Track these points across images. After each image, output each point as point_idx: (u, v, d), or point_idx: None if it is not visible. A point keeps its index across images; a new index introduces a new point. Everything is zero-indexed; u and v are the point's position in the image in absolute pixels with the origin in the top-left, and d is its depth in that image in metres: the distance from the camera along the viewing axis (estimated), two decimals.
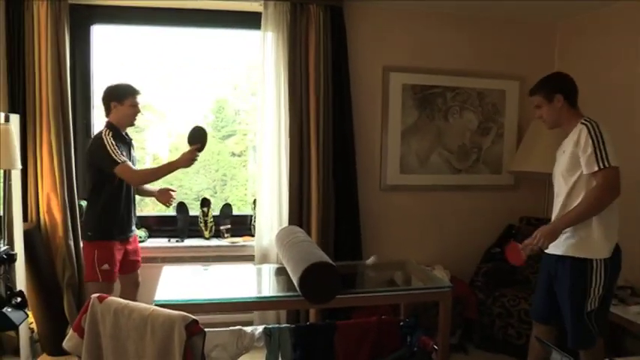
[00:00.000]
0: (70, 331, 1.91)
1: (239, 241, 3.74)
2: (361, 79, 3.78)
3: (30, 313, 3.09)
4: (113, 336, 1.82)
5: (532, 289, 3.20)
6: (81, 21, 3.50)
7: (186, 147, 2.95)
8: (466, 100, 4.03)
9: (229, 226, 3.80)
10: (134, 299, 2.85)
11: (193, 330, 1.73)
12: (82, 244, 3.21)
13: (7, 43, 3.23)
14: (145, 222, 3.78)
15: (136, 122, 3.02)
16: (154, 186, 3.20)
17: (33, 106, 3.27)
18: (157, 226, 3.82)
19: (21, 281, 2.95)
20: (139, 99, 2.97)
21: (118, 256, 2.94)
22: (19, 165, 2.91)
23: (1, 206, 2.95)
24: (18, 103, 3.25)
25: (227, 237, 3.76)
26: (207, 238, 3.74)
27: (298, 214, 3.57)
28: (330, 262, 2.31)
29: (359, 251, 3.70)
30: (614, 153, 2.32)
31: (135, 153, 3.13)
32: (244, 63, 4.29)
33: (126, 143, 3.01)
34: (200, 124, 3.00)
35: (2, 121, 2.85)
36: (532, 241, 2.49)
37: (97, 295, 1.88)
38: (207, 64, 4.26)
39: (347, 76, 3.66)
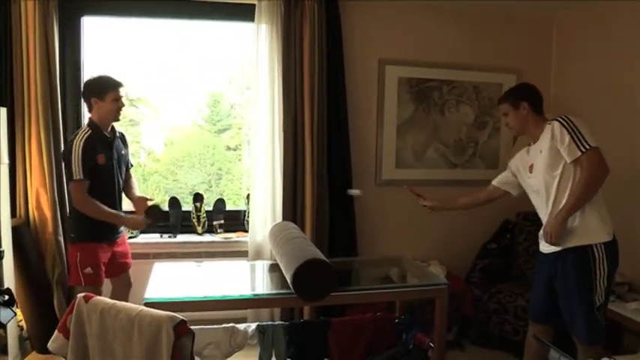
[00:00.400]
0: (55, 332, 1.85)
1: (232, 236, 3.69)
2: (356, 73, 3.73)
3: (19, 311, 3.03)
4: (100, 337, 1.77)
5: (529, 285, 3.17)
6: (71, 12, 3.42)
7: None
8: (462, 93, 3.98)
9: (222, 221, 3.75)
10: (126, 300, 2.80)
11: (182, 331, 1.69)
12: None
13: None
14: None
15: (120, 117, 2.89)
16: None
17: (21, 99, 3.20)
18: None
19: (9, 278, 2.89)
20: (122, 92, 2.82)
21: (104, 258, 2.85)
22: (5, 159, 2.86)
23: None
24: (6, 95, 3.18)
25: (220, 232, 3.71)
26: (200, 234, 3.69)
27: (292, 209, 3.52)
28: (324, 258, 2.27)
29: (354, 247, 3.66)
30: (590, 135, 2.39)
31: (126, 150, 3.05)
32: (239, 56, 4.24)
33: (107, 143, 2.85)
34: (160, 206, 3.05)
35: None
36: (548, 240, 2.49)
37: (83, 294, 1.83)
38: (202, 58, 4.21)
39: (342, 70, 3.60)
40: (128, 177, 3.12)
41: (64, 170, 3.16)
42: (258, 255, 3.52)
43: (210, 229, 3.74)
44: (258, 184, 3.53)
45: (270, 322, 2.80)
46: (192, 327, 1.78)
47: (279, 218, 3.50)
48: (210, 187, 4.53)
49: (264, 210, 3.54)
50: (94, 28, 3.64)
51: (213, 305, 2.43)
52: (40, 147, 3.19)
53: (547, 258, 2.58)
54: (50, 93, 3.22)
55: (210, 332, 2.61)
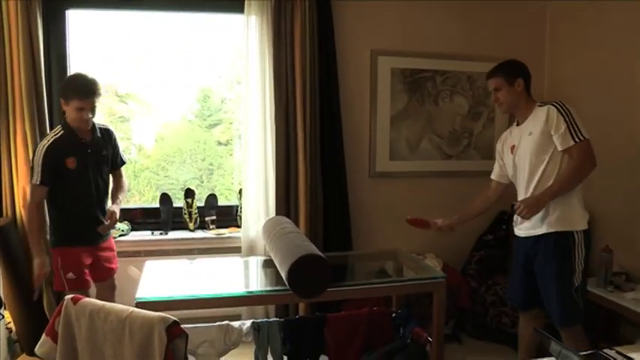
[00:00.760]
0: (43, 336, 1.79)
1: (225, 232, 3.63)
2: (349, 64, 3.66)
3: (7, 313, 2.96)
4: (89, 339, 1.71)
5: None
6: (55, 5, 3.33)
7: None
8: (456, 84, 3.93)
9: (214, 217, 3.68)
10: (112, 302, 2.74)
11: (174, 332, 1.63)
12: None
13: None
14: (128, 214, 3.64)
15: (87, 127, 2.70)
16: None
17: (5, 94, 3.11)
18: (139, 219, 3.69)
19: None
20: (87, 103, 2.62)
21: (87, 262, 2.76)
22: None
23: None
24: None
25: (212, 228, 3.65)
26: (192, 230, 3.63)
27: (285, 203, 3.47)
28: (320, 254, 2.23)
29: (349, 241, 3.61)
30: (584, 126, 2.41)
31: (110, 149, 2.89)
32: (229, 50, 4.17)
33: (80, 145, 2.71)
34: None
35: None
36: (516, 211, 2.50)
37: (71, 296, 1.76)
38: (191, 52, 4.14)
39: (334, 61, 3.54)
40: (118, 176, 3.02)
41: None
42: (251, 251, 3.47)
43: (202, 225, 3.67)
44: (250, 178, 3.47)
45: (265, 319, 2.76)
46: (185, 325, 1.73)
47: (272, 213, 3.45)
48: (202, 182, 4.47)
49: (257, 205, 3.48)
50: (80, 22, 3.55)
51: (206, 303, 2.39)
52: (26, 143, 3.11)
53: (525, 242, 2.59)
54: (35, 88, 3.13)
55: (205, 330, 2.57)
